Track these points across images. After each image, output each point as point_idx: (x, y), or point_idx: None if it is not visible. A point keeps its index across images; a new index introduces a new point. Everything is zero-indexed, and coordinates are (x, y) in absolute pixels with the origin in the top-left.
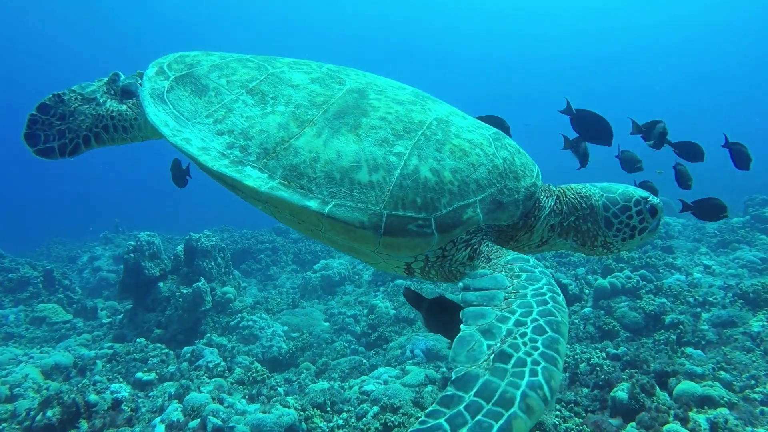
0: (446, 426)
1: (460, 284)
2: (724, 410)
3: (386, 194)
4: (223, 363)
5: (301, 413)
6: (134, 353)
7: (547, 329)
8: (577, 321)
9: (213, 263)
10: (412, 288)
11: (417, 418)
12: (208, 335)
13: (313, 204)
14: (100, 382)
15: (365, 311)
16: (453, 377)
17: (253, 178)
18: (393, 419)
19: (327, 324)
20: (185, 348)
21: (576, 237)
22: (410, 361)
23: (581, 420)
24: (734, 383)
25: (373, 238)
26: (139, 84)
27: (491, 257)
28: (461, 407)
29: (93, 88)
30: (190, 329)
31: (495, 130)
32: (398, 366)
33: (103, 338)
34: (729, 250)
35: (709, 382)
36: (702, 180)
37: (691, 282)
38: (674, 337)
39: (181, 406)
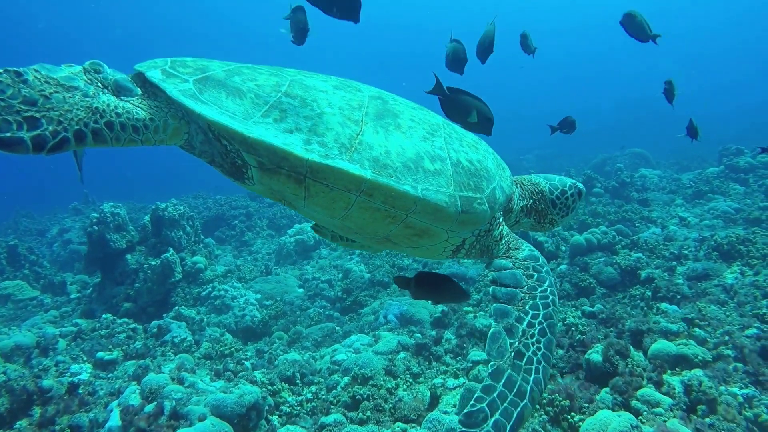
0: (487, 410)
1: (489, 276)
2: (698, 371)
3: (450, 179)
4: (190, 337)
5: (269, 387)
6: (100, 330)
7: (547, 331)
8: (554, 284)
9: (182, 232)
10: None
11: (388, 389)
12: (177, 308)
13: (408, 188)
14: (63, 362)
15: (340, 275)
16: (489, 370)
17: (350, 167)
18: (362, 392)
19: (301, 290)
20: (153, 322)
21: (535, 216)
22: (384, 327)
23: (553, 386)
24: (708, 339)
25: (454, 216)
26: (152, 82)
27: (510, 245)
28: (495, 395)
29: (67, 74)
30: (160, 301)
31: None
32: (371, 332)
33: (71, 314)
34: (704, 201)
35: (684, 340)
36: (678, 129)
37: (666, 235)
38: (649, 293)
39: (139, 388)
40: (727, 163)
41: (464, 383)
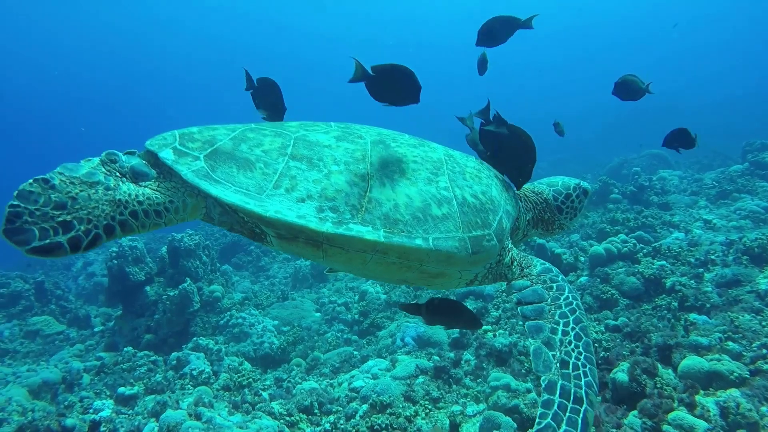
0: (553, 424)
1: (514, 298)
2: (734, 391)
3: (458, 221)
4: (208, 369)
5: (287, 419)
6: (122, 363)
7: (582, 335)
8: (574, 290)
9: (198, 262)
10: (403, 302)
11: (407, 417)
12: (195, 339)
13: (420, 242)
14: (87, 397)
15: (356, 297)
16: (543, 385)
17: (365, 232)
18: (380, 421)
19: (318, 314)
20: (172, 354)
21: (542, 225)
22: (401, 350)
23: None
24: (744, 353)
25: (465, 258)
26: (166, 165)
27: (523, 264)
28: (555, 407)
29: (88, 170)
30: (180, 332)
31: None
32: (389, 356)
33: (95, 347)
34: (729, 201)
35: (717, 356)
36: (697, 126)
37: (691, 240)
38: (676, 304)
39: (158, 425)
40: (752, 159)
41: (484, 410)
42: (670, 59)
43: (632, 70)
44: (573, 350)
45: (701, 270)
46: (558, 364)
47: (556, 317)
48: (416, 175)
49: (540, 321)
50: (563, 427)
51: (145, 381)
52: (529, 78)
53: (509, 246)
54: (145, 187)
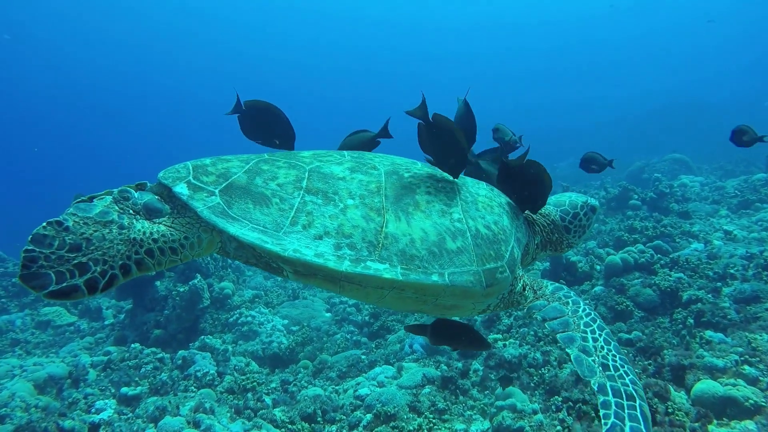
0: (618, 422)
1: (538, 317)
2: (749, 424)
3: (473, 254)
4: (213, 370)
5: (289, 427)
6: (128, 360)
7: (609, 339)
8: (587, 301)
9: (209, 258)
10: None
11: (410, 431)
12: (202, 337)
13: (437, 279)
14: (92, 394)
15: None
16: (595, 388)
17: (382, 270)
18: None
19: (329, 315)
20: (179, 353)
21: (550, 246)
22: (409, 357)
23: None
24: (761, 378)
25: (480, 291)
26: (181, 200)
27: (535, 287)
28: (614, 407)
29: (101, 209)
30: (189, 328)
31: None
32: (397, 363)
33: (105, 340)
34: (751, 210)
35: (732, 380)
36: (716, 132)
37: (710, 252)
38: (692, 320)
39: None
40: None
41: (489, 430)
42: (697, 57)
43: (659, 70)
44: (608, 354)
45: (719, 284)
46: (600, 368)
47: (582, 326)
48: (430, 207)
49: (569, 332)
50: (627, 423)
51: (150, 379)
52: (553, 83)
53: (520, 274)
54: (159, 223)
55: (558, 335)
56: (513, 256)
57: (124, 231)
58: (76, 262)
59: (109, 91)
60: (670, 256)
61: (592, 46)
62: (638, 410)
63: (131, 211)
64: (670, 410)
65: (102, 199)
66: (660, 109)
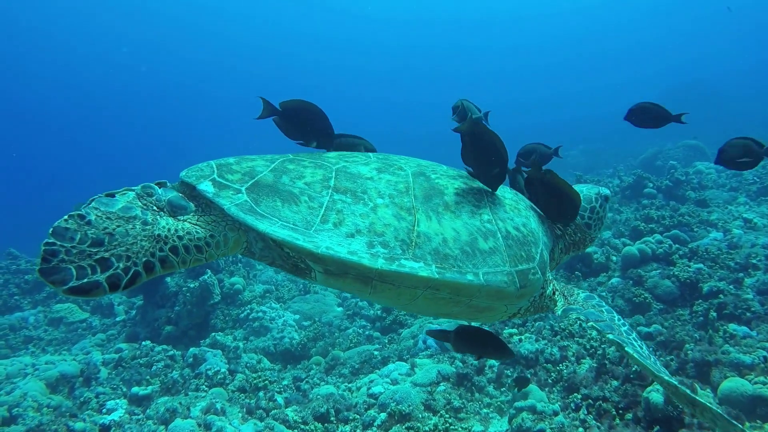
0: (639, 348)
1: (581, 317)
2: None
3: (505, 255)
4: (224, 369)
5: (302, 427)
6: (140, 358)
7: (644, 346)
8: (604, 294)
9: None
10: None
11: None
12: (213, 335)
13: (472, 278)
14: (103, 393)
15: None
16: (621, 341)
17: (417, 268)
18: None
19: (340, 309)
20: (190, 350)
21: (573, 247)
22: (423, 353)
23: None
24: None
25: (514, 292)
26: (207, 197)
27: (565, 293)
28: (664, 377)
29: (124, 205)
30: (200, 324)
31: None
32: (410, 359)
33: (117, 337)
34: None
35: (762, 377)
36: (731, 118)
37: (730, 242)
38: (714, 314)
39: None
40: None
41: (508, 430)
42: (713, 43)
43: (671, 55)
44: (642, 348)
45: (741, 275)
46: (644, 355)
47: (624, 333)
48: (460, 208)
49: (615, 334)
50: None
51: (161, 378)
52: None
53: (551, 278)
54: (184, 221)
55: (598, 323)
56: (543, 258)
57: (148, 227)
58: (98, 257)
59: (114, 90)
60: (689, 246)
61: (605, 33)
62: (682, 387)
63: (155, 208)
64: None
65: (125, 194)
66: (673, 95)
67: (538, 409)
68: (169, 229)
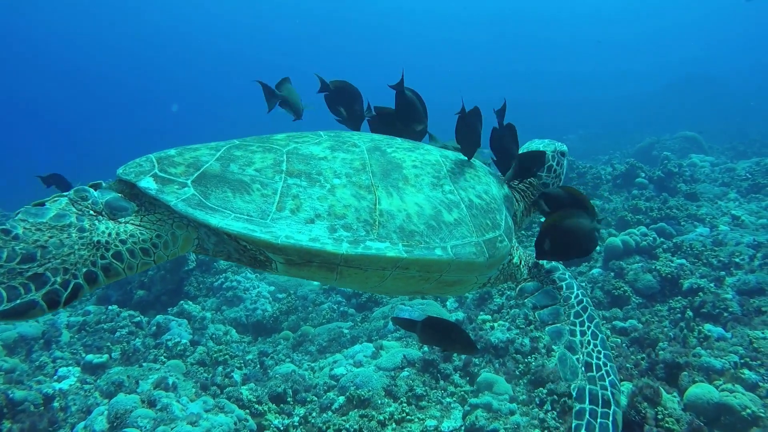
0: None
1: (528, 303)
2: None
3: (471, 225)
4: (185, 339)
5: (256, 407)
6: (104, 323)
7: (597, 332)
8: (584, 284)
9: None
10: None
11: (379, 421)
12: (181, 303)
13: (440, 253)
14: (61, 358)
15: None
16: (574, 394)
17: (384, 249)
18: (350, 425)
19: (317, 283)
20: (155, 317)
21: (534, 208)
22: (392, 334)
23: None
24: (761, 384)
25: (484, 262)
26: (150, 194)
27: (529, 263)
28: (587, 416)
29: (56, 212)
30: (173, 290)
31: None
32: (378, 340)
33: (89, 298)
34: (762, 195)
35: (729, 385)
36: (730, 111)
37: (715, 238)
38: (691, 313)
39: (107, 410)
40: None
41: (461, 427)
42: (716, 33)
43: (672, 45)
44: (593, 350)
45: (723, 273)
46: (583, 368)
47: (572, 317)
48: (420, 180)
49: (558, 324)
50: None
51: (123, 345)
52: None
53: (516, 244)
54: (126, 223)
55: (547, 328)
56: (508, 224)
57: (85, 234)
58: (30, 274)
59: (106, 86)
60: (674, 240)
61: (607, 18)
62: (610, 419)
63: (92, 212)
64: (659, 416)
65: (56, 201)
66: (673, 85)
67: (494, 407)
68: (109, 234)
